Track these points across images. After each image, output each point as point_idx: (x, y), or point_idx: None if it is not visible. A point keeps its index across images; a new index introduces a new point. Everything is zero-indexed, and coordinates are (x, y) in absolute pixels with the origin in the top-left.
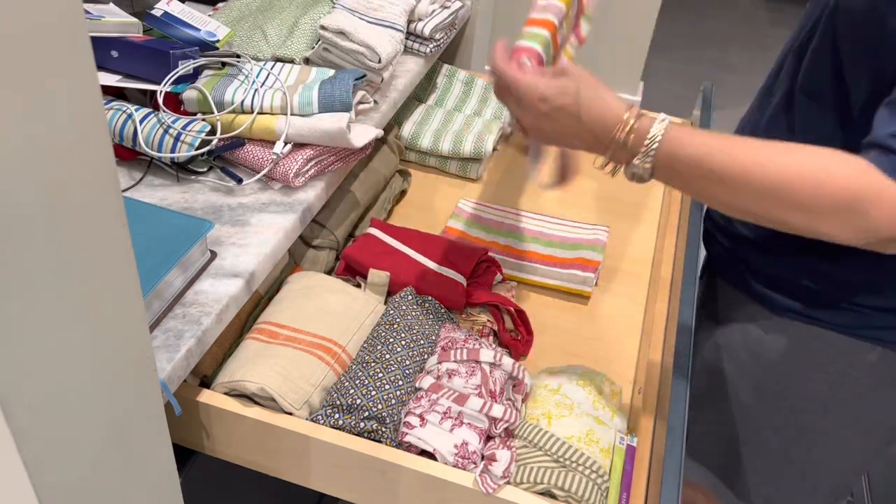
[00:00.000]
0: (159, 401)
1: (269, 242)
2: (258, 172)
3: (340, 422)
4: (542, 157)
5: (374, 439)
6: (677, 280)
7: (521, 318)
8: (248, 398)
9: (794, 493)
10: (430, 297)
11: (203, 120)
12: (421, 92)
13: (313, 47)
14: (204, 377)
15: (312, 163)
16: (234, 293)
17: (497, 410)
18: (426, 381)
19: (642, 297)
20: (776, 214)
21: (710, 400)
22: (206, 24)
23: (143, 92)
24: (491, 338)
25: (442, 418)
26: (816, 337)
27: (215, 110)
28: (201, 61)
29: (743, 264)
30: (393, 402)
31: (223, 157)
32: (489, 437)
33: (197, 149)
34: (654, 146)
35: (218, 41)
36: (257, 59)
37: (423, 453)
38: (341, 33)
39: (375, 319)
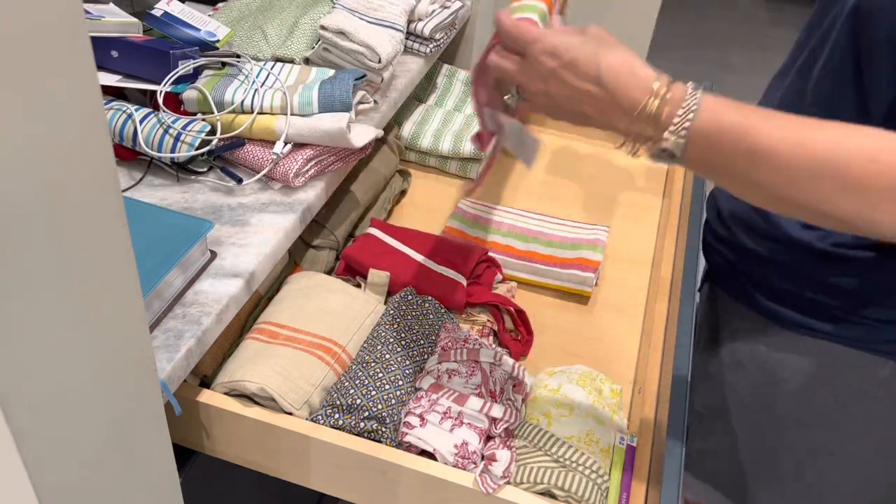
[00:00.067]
0: (159, 401)
1: (269, 242)
2: (258, 172)
3: (340, 422)
4: (522, 144)
5: (374, 439)
6: (677, 280)
7: (521, 318)
8: (248, 398)
9: None
10: (430, 297)
11: (203, 120)
12: (421, 92)
13: (313, 47)
14: (204, 377)
15: (312, 163)
16: (234, 293)
17: (497, 410)
18: (426, 381)
19: (642, 297)
20: (825, 197)
21: (718, 417)
22: (206, 24)
23: (143, 92)
24: (491, 338)
25: (442, 418)
26: (825, 352)
27: (215, 110)
28: (201, 61)
29: (745, 277)
30: (393, 402)
31: (223, 157)
32: (489, 437)
33: (197, 149)
34: (690, 116)
35: (218, 41)
36: (257, 59)
37: (423, 453)
38: (341, 33)
39: (375, 319)
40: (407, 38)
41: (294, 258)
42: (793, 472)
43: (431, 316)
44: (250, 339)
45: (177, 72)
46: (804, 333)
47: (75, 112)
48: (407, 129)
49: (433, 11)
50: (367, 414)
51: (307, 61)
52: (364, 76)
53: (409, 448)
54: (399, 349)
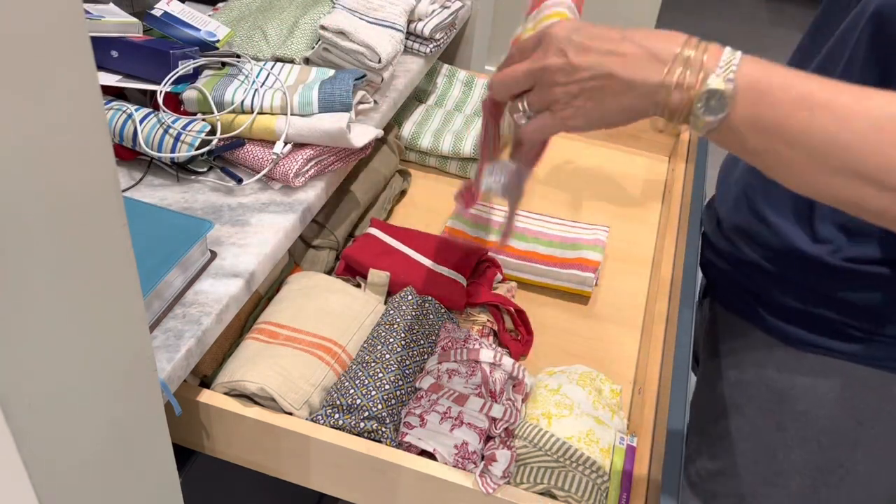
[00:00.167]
0: (159, 401)
1: (269, 242)
2: (258, 172)
3: (340, 422)
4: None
5: (374, 439)
6: (677, 280)
7: (521, 318)
8: (248, 398)
9: None
10: (430, 297)
11: (203, 120)
12: (421, 92)
13: (313, 47)
14: (204, 377)
15: (312, 163)
16: (234, 293)
17: (497, 410)
18: (426, 381)
19: (642, 298)
20: (885, 162)
21: (726, 438)
22: (206, 24)
23: (143, 92)
24: (491, 338)
25: (442, 418)
26: (839, 371)
27: (215, 110)
28: (201, 61)
29: (749, 293)
30: (393, 402)
31: (223, 157)
32: (489, 437)
33: (197, 149)
34: (736, 61)
35: (218, 41)
36: (257, 59)
37: (423, 453)
38: (341, 33)
39: (375, 319)
40: (407, 38)
41: (294, 258)
42: (804, 493)
43: (431, 316)
44: (250, 339)
45: (177, 72)
46: (815, 352)
47: (75, 112)
48: (407, 129)
49: (433, 11)
50: (367, 414)
51: (307, 61)
52: (364, 76)
53: (409, 448)
54: (399, 349)
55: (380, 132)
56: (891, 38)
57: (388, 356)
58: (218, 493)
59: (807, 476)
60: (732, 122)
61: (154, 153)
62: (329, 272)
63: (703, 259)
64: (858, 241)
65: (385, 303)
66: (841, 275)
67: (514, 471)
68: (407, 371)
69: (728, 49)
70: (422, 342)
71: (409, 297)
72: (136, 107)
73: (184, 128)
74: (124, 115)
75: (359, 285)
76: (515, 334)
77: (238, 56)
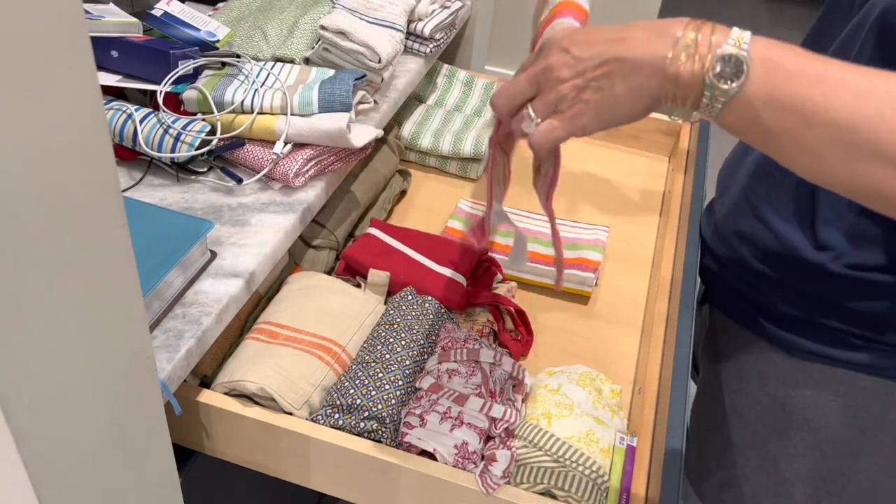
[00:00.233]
0: (159, 401)
1: (269, 242)
2: (258, 172)
3: (340, 422)
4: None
5: (374, 439)
6: (677, 280)
7: (521, 318)
8: (248, 398)
9: None
10: (430, 297)
11: (203, 120)
12: (421, 92)
13: (313, 47)
14: (204, 377)
15: (312, 163)
16: (234, 293)
17: (497, 410)
18: (426, 381)
19: (642, 298)
20: None
21: (730, 447)
22: (206, 24)
23: (143, 92)
24: (491, 338)
25: (442, 418)
26: (841, 380)
27: (215, 110)
28: (201, 61)
29: (749, 301)
30: (393, 402)
31: (223, 157)
32: (489, 437)
33: (197, 149)
34: (747, 36)
35: (218, 41)
36: (257, 59)
37: (423, 453)
38: (341, 33)
39: (375, 319)
40: (407, 38)
41: (294, 258)
42: (807, 502)
43: (431, 316)
44: (250, 339)
45: (177, 72)
46: (817, 361)
47: (75, 112)
48: (407, 129)
49: (433, 11)
50: (367, 414)
51: (307, 61)
52: (364, 76)
53: (409, 448)
54: (399, 349)
55: (380, 132)
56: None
57: (388, 356)
58: (218, 493)
59: (810, 485)
60: (748, 94)
61: (154, 153)
62: (329, 272)
63: (701, 264)
64: (861, 248)
65: (385, 303)
66: (843, 282)
67: (514, 471)
68: (407, 371)
69: (736, 28)
70: (422, 342)
71: (409, 297)
72: (136, 107)
73: (184, 128)
74: (124, 115)
75: (359, 285)
76: (515, 334)
77: (238, 56)
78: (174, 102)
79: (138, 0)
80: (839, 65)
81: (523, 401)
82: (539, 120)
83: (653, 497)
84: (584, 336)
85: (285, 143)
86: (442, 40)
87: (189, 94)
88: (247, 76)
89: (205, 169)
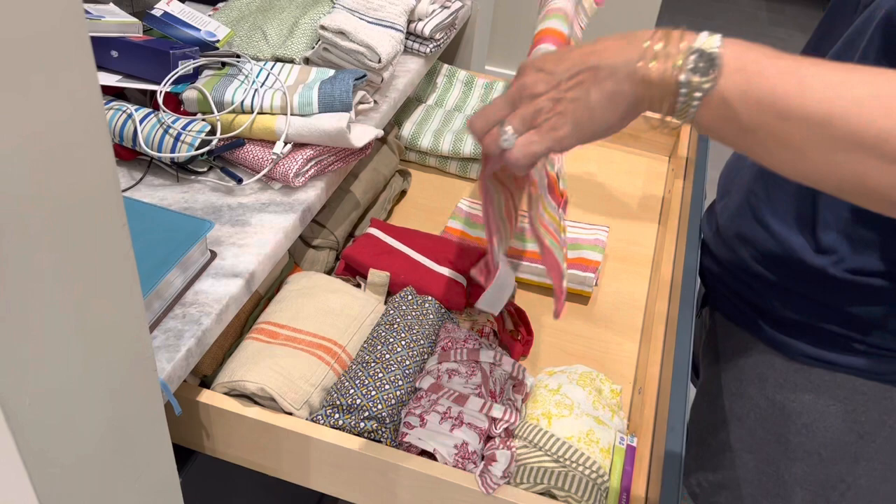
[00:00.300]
0: (159, 401)
1: (269, 242)
2: (258, 172)
3: (340, 422)
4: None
5: (374, 439)
6: (677, 280)
7: (521, 318)
8: (248, 398)
9: None
10: (430, 297)
11: (203, 120)
12: (421, 92)
13: (313, 47)
14: (204, 377)
15: (312, 163)
16: (234, 293)
17: (497, 410)
18: (426, 382)
19: (642, 298)
20: (886, 128)
21: (728, 450)
22: (206, 24)
23: (143, 92)
24: (491, 338)
25: (442, 418)
26: (840, 385)
27: (215, 110)
28: (201, 61)
29: (749, 304)
30: (393, 402)
31: (223, 157)
32: (489, 437)
33: (197, 149)
34: (717, 37)
35: (218, 41)
36: (257, 59)
37: (423, 453)
38: (341, 33)
39: (375, 319)
40: (407, 38)
41: (294, 258)
42: None
43: (431, 316)
44: (250, 339)
45: (177, 72)
46: (816, 366)
47: (75, 112)
48: (407, 129)
49: (433, 11)
50: (367, 414)
51: (307, 61)
52: (364, 76)
53: (409, 448)
54: (399, 349)
55: (380, 132)
56: None
57: (388, 356)
58: (218, 493)
59: (809, 490)
60: (723, 91)
61: (154, 153)
62: (329, 272)
63: (702, 266)
64: (862, 252)
65: (385, 303)
66: (843, 286)
67: (514, 471)
68: (407, 371)
69: (705, 32)
70: (422, 342)
71: (409, 297)
72: (136, 107)
73: (184, 128)
74: (124, 115)
75: (359, 285)
76: (515, 334)
77: (238, 56)
78: (174, 102)
79: (138, 0)
80: (812, 60)
81: (523, 401)
82: (516, 135)
83: (653, 497)
84: (584, 336)
85: (285, 143)
86: (442, 40)
87: (189, 94)
88: (247, 76)
89: (205, 169)
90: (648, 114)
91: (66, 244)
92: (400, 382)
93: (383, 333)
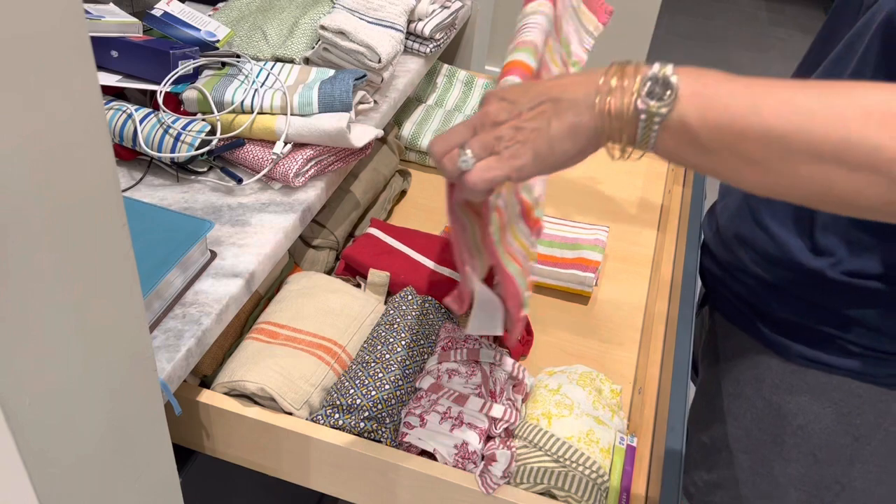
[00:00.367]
0: (159, 401)
1: (269, 242)
2: (258, 172)
3: (340, 422)
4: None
5: (373, 439)
6: (677, 280)
7: None
8: (248, 398)
9: None
10: (430, 297)
11: (203, 120)
12: (421, 92)
13: (313, 47)
14: (204, 377)
15: (312, 163)
16: (234, 293)
17: (497, 410)
18: (426, 381)
19: (642, 298)
20: (844, 136)
21: (723, 449)
22: (206, 24)
23: (143, 92)
24: (491, 338)
25: (442, 418)
26: (836, 387)
27: (215, 110)
28: (201, 61)
29: (748, 305)
30: (393, 402)
31: (223, 157)
32: (489, 437)
33: (197, 149)
34: (670, 65)
35: (218, 41)
36: (257, 59)
37: (423, 453)
38: (341, 33)
39: (375, 319)
40: (407, 38)
41: (294, 258)
42: None
43: (431, 316)
44: (250, 339)
45: (177, 72)
46: (813, 367)
47: (75, 112)
48: (407, 129)
49: (433, 11)
50: (366, 414)
51: (307, 61)
52: (364, 76)
53: (409, 448)
54: (399, 349)
55: (380, 132)
56: None
57: (388, 356)
58: (218, 493)
59: (803, 491)
60: (682, 115)
61: (154, 153)
62: (329, 272)
63: (702, 266)
64: (859, 255)
65: (385, 303)
66: (840, 289)
67: (514, 471)
68: (407, 371)
69: (657, 62)
70: (422, 342)
71: (409, 297)
72: (136, 107)
73: (184, 128)
74: (124, 115)
75: (359, 285)
76: None
77: (238, 56)
78: (174, 102)
79: (138, 0)
80: (766, 79)
81: (523, 401)
82: (475, 159)
83: (653, 497)
84: (584, 336)
85: (285, 143)
86: (442, 40)
87: (189, 94)
88: (247, 76)
89: (205, 169)
90: (610, 144)
91: (66, 244)
92: (400, 382)
93: (383, 333)
